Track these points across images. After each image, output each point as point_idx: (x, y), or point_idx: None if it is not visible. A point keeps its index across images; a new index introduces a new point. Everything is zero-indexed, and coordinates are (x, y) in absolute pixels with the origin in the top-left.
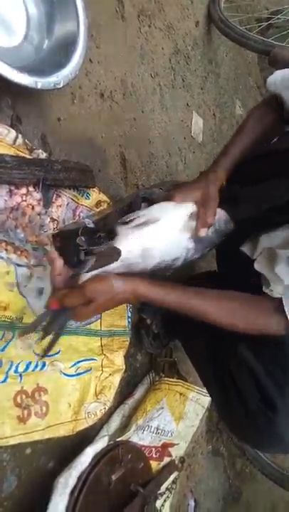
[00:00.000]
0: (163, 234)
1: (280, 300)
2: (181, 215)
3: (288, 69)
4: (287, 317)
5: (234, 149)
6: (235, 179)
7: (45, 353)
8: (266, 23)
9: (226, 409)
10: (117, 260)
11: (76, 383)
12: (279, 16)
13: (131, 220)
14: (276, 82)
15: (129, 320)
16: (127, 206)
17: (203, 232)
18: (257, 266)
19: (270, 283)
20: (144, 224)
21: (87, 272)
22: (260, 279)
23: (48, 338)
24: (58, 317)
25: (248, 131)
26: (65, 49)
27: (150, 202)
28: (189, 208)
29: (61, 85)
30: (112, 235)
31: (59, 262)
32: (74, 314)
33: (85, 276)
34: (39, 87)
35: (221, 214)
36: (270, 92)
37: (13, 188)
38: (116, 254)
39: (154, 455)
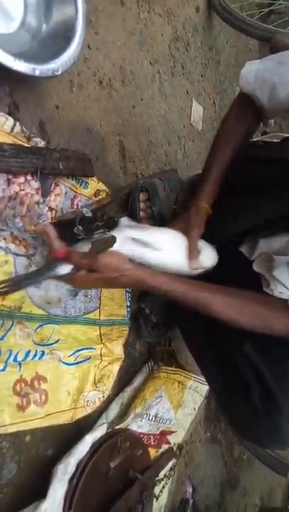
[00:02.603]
0: (161, 262)
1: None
2: (175, 241)
3: (260, 64)
4: None
5: (213, 171)
6: (233, 189)
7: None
8: (267, 9)
9: (225, 400)
10: (112, 247)
11: (75, 372)
12: (281, 2)
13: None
14: (250, 80)
15: (128, 309)
16: (126, 195)
17: (193, 264)
18: (256, 267)
19: (270, 283)
20: (144, 244)
21: (84, 258)
22: (259, 278)
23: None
24: (51, 267)
25: (225, 145)
26: (63, 35)
27: (149, 193)
28: (179, 237)
29: (59, 72)
30: (110, 223)
31: (53, 233)
32: (72, 276)
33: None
34: (37, 74)
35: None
36: (244, 91)
37: (10, 176)
38: (112, 242)
39: (152, 442)
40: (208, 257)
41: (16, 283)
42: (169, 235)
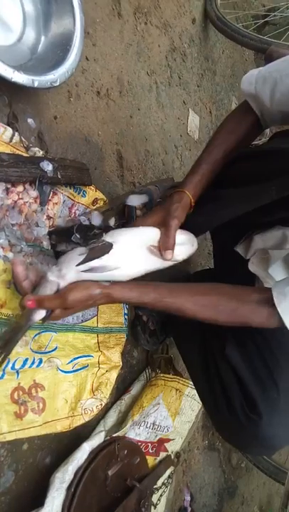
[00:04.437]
0: (117, 257)
1: (266, 292)
2: (142, 239)
3: (262, 67)
4: (273, 309)
5: (203, 165)
6: (223, 180)
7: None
8: (262, 21)
9: (211, 407)
10: (108, 253)
11: (73, 379)
12: (275, 13)
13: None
14: (251, 81)
15: (126, 317)
16: (123, 204)
17: (167, 255)
18: (251, 267)
19: (264, 284)
20: (99, 268)
21: (79, 265)
22: (253, 280)
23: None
24: (28, 316)
25: (220, 144)
26: (61, 47)
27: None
28: (149, 231)
29: (58, 83)
30: (107, 232)
31: (20, 268)
32: (50, 317)
33: (64, 279)
34: (36, 85)
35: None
36: (245, 93)
37: (9, 185)
38: (109, 248)
39: (150, 450)
40: (184, 248)
41: (4, 349)
42: (127, 236)
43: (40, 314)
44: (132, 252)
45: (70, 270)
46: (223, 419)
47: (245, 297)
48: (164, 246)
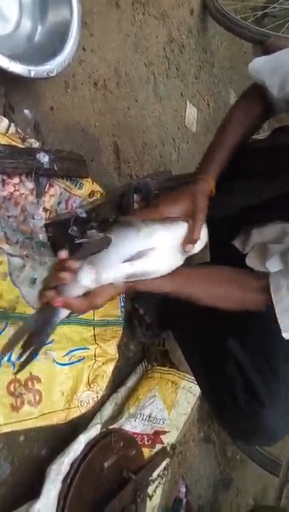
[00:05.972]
0: (157, 262)
1: (264, 279)
2: (176, 239)
3: (270, 55)
4: (269, 298)
5: (221, 153)
6: (229, 174)
7: (22, 367)
8: (261, 12)
9: (212, 399)
10: (106, 248)
11: (69, 372)
12: (274, 5)
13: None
14: (259, 68)
15: (123, 310)
16: (120, 196)
17: (189, 248)
18: (248, 261)
19: None
20: (137, 256)
21: (77, 259)
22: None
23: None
24: (52, 315)
25: (234, 131)
26: (58, 37)
27: (143, 194)
28: (181, 229)
29: (54, 74)
30: (104, 224)
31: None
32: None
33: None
34: (32, 75)
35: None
36: (253, 79)
37: (5, 177)
38: (106, 243)
39: (146, 442)
40: (201, 242)
41: (34, 344)
42: (166, 238)
43: (65, 313)
44: (168, 255)
45: (109, 277)
46: (226, 410)
47: (248, 285)
48: (190, 240)
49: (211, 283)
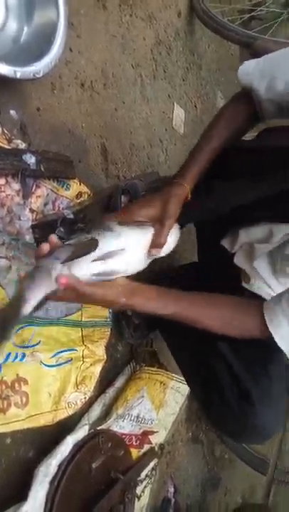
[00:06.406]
0: (126, 262)
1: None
2: (142, 242)
3: (260, 58)
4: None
5: (202, 156)
6: (215, 172)
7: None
8: (248, 15)
9: (202, 398)
10: (94, 251)
11: (56, 374)
12: (262, 8)
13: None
14: (248, 70)
15: (110, 311)
16: (107, 197)
17: (154, 252)
18: (236, 260)
19: (250, 278)
20: (107, 255)
21: (63, 262)
22: (239, 275)
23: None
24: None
25: (218, 134)
26: (44, 38)
27: (130, 195)
28: (148, 233)
29: (41, 75)
30: (91, 226)
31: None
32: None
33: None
34: (18, 76)
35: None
36: (242, 83)
37: None
38: (94, 245)
39: (134, 443)
40: (168, 245)
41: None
42: (136, 240)
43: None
44: (137, 256)
45: (79, 273)
46: (214, 408)
47: (244, 310)
48: (156, 244)
49: (216, 308)
